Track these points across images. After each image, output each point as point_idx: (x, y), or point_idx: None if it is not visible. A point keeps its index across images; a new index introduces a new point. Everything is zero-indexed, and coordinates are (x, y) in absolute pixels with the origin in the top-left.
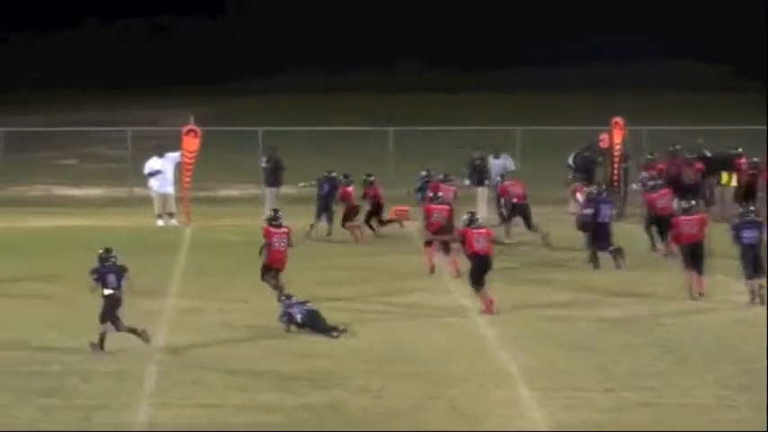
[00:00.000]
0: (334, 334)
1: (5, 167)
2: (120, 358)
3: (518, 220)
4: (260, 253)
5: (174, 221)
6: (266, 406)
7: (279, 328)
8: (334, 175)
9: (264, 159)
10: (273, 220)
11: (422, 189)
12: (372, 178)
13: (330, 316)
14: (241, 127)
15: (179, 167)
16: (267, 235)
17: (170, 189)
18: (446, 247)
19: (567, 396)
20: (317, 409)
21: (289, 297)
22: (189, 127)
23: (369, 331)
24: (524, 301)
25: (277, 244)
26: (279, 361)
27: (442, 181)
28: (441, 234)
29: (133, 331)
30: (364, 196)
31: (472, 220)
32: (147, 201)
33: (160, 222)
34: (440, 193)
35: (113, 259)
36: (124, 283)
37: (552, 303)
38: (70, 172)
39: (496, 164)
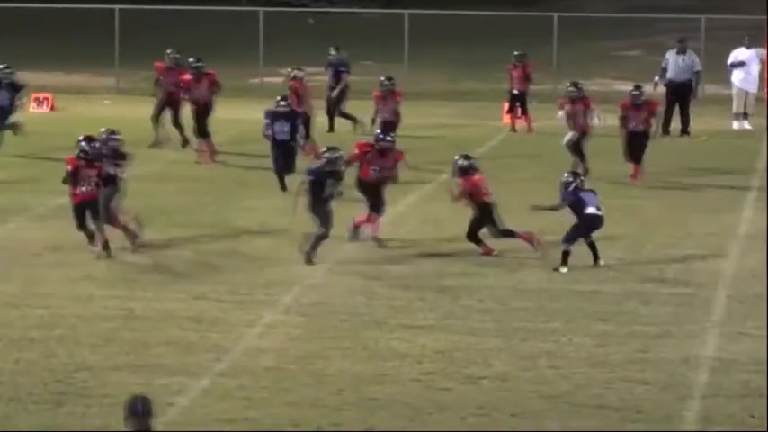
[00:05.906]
0: None
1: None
2: (686, 282)
3: None
4: None
5: (746, 124)
6: None
7: None
8: None
9: None
10: None
11: None
12: None
13: None
14: None
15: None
16: None
17: (752, 87)
18: None
19: None
20: None
21: None
22: None
23: None
24: None
25: None
26: None
27: None
28: None
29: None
30: None
31: None
32: (718, 101)
33: (735, 124)
34: None
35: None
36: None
37: None
38: (632, 65)
39: None
